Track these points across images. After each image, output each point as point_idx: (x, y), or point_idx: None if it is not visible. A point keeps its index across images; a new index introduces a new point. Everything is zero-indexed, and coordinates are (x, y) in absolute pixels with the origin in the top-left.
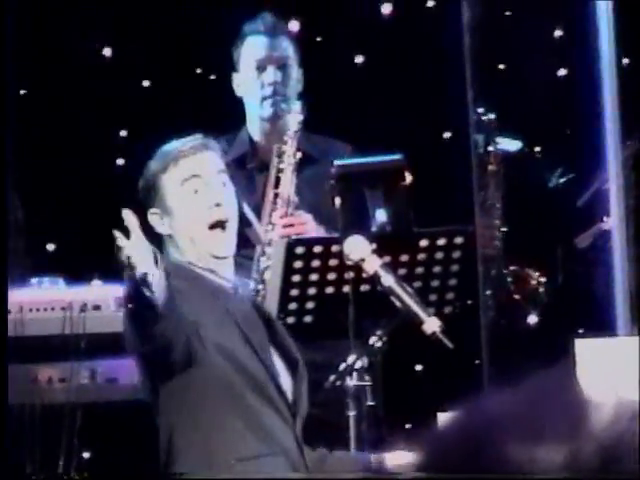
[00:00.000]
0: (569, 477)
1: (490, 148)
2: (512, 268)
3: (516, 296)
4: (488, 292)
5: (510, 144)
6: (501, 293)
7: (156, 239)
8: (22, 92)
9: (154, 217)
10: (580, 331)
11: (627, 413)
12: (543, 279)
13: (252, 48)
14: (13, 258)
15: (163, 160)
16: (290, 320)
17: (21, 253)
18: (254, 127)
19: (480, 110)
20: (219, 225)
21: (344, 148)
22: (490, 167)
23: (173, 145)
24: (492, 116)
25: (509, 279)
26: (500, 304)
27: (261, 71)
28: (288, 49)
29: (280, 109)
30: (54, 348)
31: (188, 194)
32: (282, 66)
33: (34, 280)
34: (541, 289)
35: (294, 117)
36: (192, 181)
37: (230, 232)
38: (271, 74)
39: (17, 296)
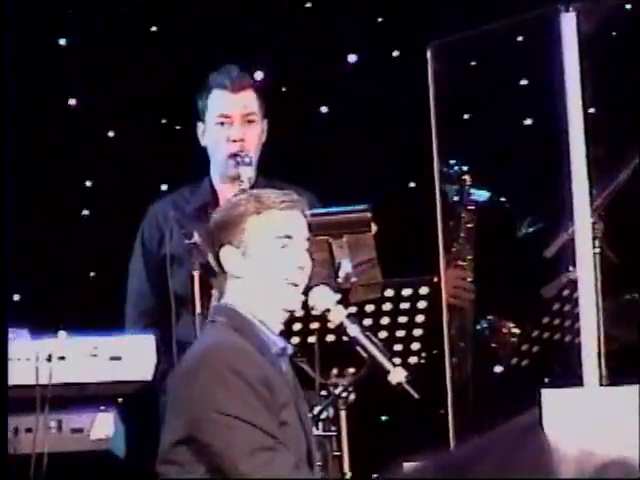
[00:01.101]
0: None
1: (461, 200)
2: (489, 318)
3: (493, 345)
4: (461, 343)
5: (478, 194)
6: (476, 342)
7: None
8: None
9: (229, 254)
10: (546, 381)
11: (592, 465)
12: (517, 330)
13: (217, 102)
14: None
15: (259, 204)
16: None
17: None
18: (217, 177)
19: (452, 162)
20: (295, 285)
21: (308, 197)
22: (464, 219)
23: (268, 194)
24: (464, 168)
25: (485, 327)
26: (476, 353)
27: (226, 127)
28: (253, 104)
29: (242, 170)
30: (20, 399)
31: (276, 246)
32: (247, 122)
33: None
34: (514, 339)
35: (245, 171)
36: (284, 239)
37: (300, 290)
38: (236, 130)
39: None
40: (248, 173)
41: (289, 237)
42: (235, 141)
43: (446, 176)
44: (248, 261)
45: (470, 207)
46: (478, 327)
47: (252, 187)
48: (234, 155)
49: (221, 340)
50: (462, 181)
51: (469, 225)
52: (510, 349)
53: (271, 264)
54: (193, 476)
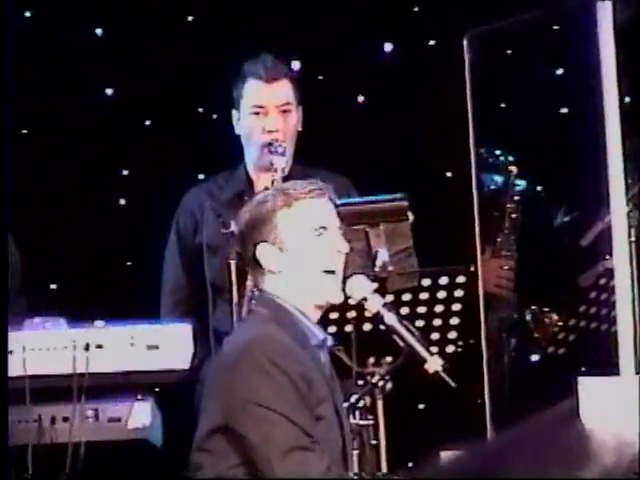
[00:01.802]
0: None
1: (506, 190)
2: (532, 308)
3: (536, 334)
4: (503, 333)
5: (517, 184)
6: (519, 332)
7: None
8: (23, 131)
9: (265, 251)
10: (583, 369)
11: (629, 452)
12: (559, 321)
13: (252, 92)
14: (15, 298)
15: (286, 197)
16: None
17: (23, 293)
18: (251, 165)
19: (497, 152)
20: (332, 272)
21: (342, 181)
22: (509, 209)
23: (293, 185)
24: (510, 158)
25: (528, 318)
26: (517, 342)
27: (261, 117)
28: (288, 94)
29: (276, 159)
30: (57, 387)
31: (312, 236)
32: (282, 112)
33: (37, 320)
34: (555, 329)
35: (278, 161)
36: (319, 229)
37: (340, 280)
38: (271, 121)
39: (20, 336)
40: (282, 163)
41: (324, 227)
42: (269, 132)
43: (491, 165)
44: (286, 256)
45: (515, 197)
46: (522, 317)
47: (288, 176)
48: (268, 145)
49: (263, 333)
50: (508, 171)
51: (513, 215)
52: (551, 339)
53: (310, 255)
54: (224, 466)
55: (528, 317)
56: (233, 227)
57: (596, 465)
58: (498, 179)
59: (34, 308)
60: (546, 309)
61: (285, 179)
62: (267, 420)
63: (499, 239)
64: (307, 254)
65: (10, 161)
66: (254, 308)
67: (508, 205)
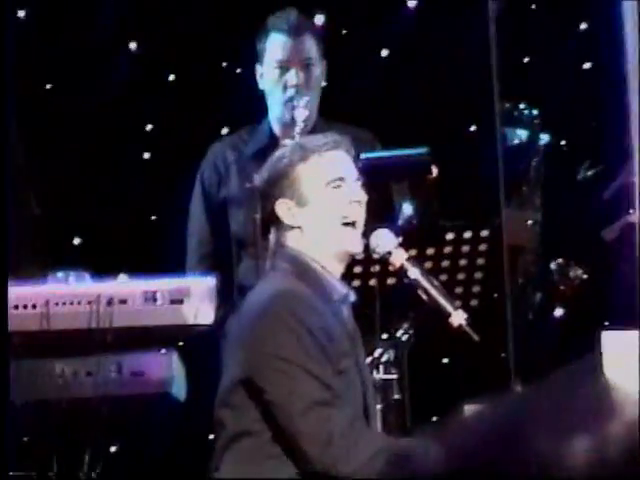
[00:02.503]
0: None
1: (532, 143)
2: (558, 261)
3: (561, 287)
4: (527, 285)
5: (541, 138)
6: (544, 285)
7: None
8: (48, 86)
9: (284, 207)
10: (606, 324)
11: None
12: (584, 275)
13: (275, 47)
14: (39, 254)
15: (303, 151)
16: None
17: (46, 247)
18: (275, 121)
19: (522, 106)
20: (352, 224)
21: (366, 136)
22: (533, 163)
23: (309, 139)
24: (535, 112)
25: (554, 271)
26: (542, 295)
27: (284, 71)
28: (311, 49)
29: (297, 114)
30: (80, 342)
31: (329, 188)
32: (305, 66)
33: (60, 274)
34: (579, 282)
35: (300, 113)
36: (336, 181)
37: (359, 231)
38: (293, 76)
39: (43, 290)
40: (303, 115)
41: (341, 179)
42: (292, 86)
43: (516, 120)
44: (305, 210)
45: (539, 151)
46: (547, 270)
47: (312, 130)
48: (290, 99)
49: (285, 287)
50: (532, 125)
51: (538, 169)
52: (575, 292)
53: (328, 207)
54: (246, 421)
55: (553, 270)
56: (257, 182)
57: (620, 419)
58: (522, 133)
59: (58, 263)
60: (571, 262)
61: (309, 134)
62: (288, 374)
63: (524, 193)
64: (325, 207)
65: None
66: (276, 263)
67: (532, 159)
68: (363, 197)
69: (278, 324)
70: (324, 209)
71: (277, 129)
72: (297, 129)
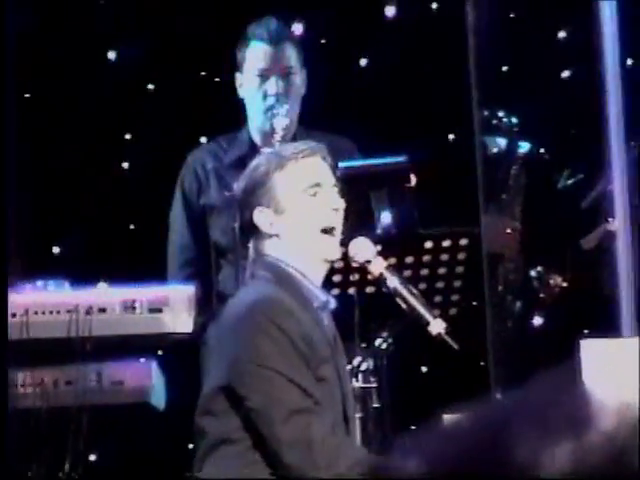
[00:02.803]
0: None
1: (511, 152)
2: (538, 269)
3: (541, 295)
4: (508, 295)
5: (520, 146)
6: (526, 294)
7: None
8: (26, 95)
9: (261, 215)
10: (585, 332)
11: (631, 415)
12: (564, 283)
13: (255, 56)
14: (17, 261)
15: (279, 159)
16: None
17: (25, 256)
18: (254, 129)
19: (500, 114)
20: (330, 231)
21: (346, 143)
22: (513, 171)
23: (286, 147)
24: (514, 120)
25: (534, 279)
26: (524, 305)
27: (264, 80)
28: (292, 57)
29: (278, 124)
30: (60, 351)
31: (306, 195)
32: (285, 75)
33: (39, 283)
34: (560, 291)
35: (279, 121)
36: (313, 187)
37: (337, 238)
38: (273, 84)
39: (23, 299)
40: (282, 123)
41: (318, 185)
42: (272, 95)
43: (495, 128)
44: (282, 217)
45: (518, 159)
46: (527, 278)
47: (293, 139)
48: (270, 108)
49: (265, 295)
50: (511, 134)
51: (517, 178)
52: (555, 300)
53: (305, 215)
54: (228, 428)
55: (533, 278)
56: (235, 190)
57: (598, 428)
58: (501, 142)
59: (37, 271)
60: (550, 270)
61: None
62: (269, 381)
63: (503, 201)
64: (303, 214)
65: (15, 120)
66: (256, 272)
67: (512, 167)
68: (341, 204)
69: (258, 331)
70: (301, 216)
71: (257, 137)
72: (277, 137)
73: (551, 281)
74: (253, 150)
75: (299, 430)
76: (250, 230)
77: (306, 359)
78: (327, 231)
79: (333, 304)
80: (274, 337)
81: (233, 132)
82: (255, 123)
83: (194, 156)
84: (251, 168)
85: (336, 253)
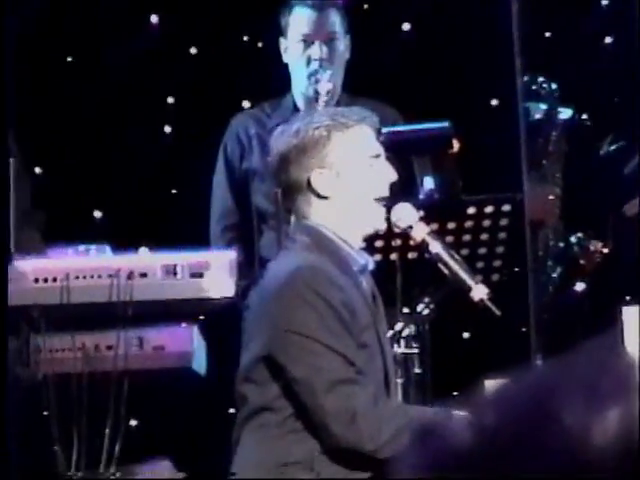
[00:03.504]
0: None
1: (550, 118)
2: (578, 235)
3: (581, 262)
4: (548, 261)
5: (562, 112)
6: (564, 259)
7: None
8: (69, 59)
9: (321, 176)
10: (627, 298)
11: None
12: (604, 249)
13: (299, 21)
14: (57, 225)
15: (343, 120)
16: None
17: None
18: (298, 95)
19: (540, 79)
20: (383, 200)
21: (390, 111)
22: (553, 137)
23: (343, 110)
24: (554, 86)
25: (574, 245)
26: (562, 270)
27: (307, 45)
28: (335, 23)
29: (321, 88)
30: (101, 316)
31: (367, 162)
32: (329, 41)
33: (81, 247)
34: (599, 257)
35: (323, 86)
36: (374, 157)
37: (384, 209)
38: (317, 50)
39: (64, 263)
40: (326, 88)
41: (378, 155)
42: (316, 60)
43: (535, 93)
44: (341, 181)
45: (559, 125)
46: (567, 244)
47: (336, 104)
48: (314, 74)
49: (305, 262)
50: (553, 99)
51: (559, 143)
52: (596, 267)
53: (366, 181)
54: (269, 396)
55: (574, 244)
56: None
57: None
58: (543, 107)
59: (79, 236)
60: (591, 236)
61: None
62: (311, 351)
63: (545, 167)
64: (363, 180)
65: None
66: (295, 236)
67: (553, 133)
68: (395, 176)
69: (299, 301)
70: (361, 182)
71: (300, 103)
72: (320, 102)
73: (591, 247)
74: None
75: (342, 400)
76: (298, 191)
77: (348, 327)
78: (380, 200)
79: (372, 265)
80: (316, 306)
81: (277, 97)
82: (299, 88)
83: (237, 121)
84: (308, 126)
85: (384, 222)
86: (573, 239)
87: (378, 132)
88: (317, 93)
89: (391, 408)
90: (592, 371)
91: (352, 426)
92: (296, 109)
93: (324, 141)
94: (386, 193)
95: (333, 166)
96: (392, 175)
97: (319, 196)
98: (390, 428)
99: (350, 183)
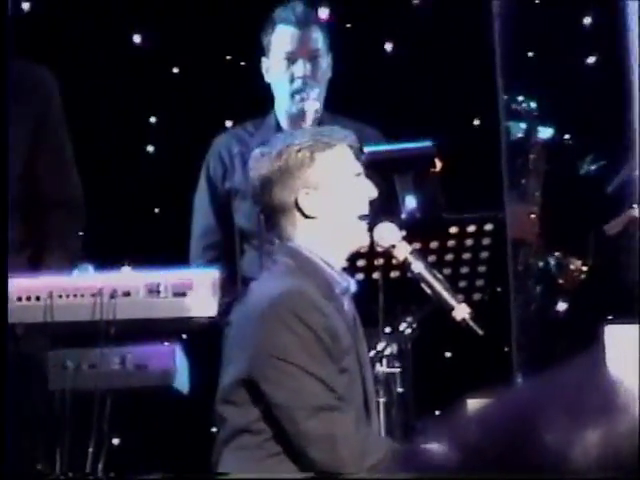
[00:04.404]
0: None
1: (529, 137)
2: (556, 254)
3: (560, 281)
4: (528, 280)
5: (542, 131)
6: (543, 279)
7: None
8: None
9: (307, 196)
10: (609, 318)
11: None
12: (584, 267)
13: (282, 39)
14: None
15: (327, 140)
16: None
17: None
18: (282, 113)
19: (520, 98)
20: (365, 217)
21: (372, 132)
22: (532, 156)
23: (327, 129)
24: (533, 105)
25: (552, 265)
26: (542, 289)
27: (291, 63)
28: (318, 40)
29: (307, 106)
30: (84, 334)
31: (352, 180)
32: (312, 58)
33: None
34: (580, 276)
35: (311, 105)
36: (357, 175)
37: (367, 226)
38: (301, 67)
39: (47, 282)
40: (313, 107)
41: (360, 173)
42: (300, 77)
43: (514, 112)
44: (327, 201)
45: (538, 144)
46: (546, 263)
47: (319, 123)
48: (298, 91)
49: (289, 287)
50: (531, 117)
51: (537, 161)
52: (576, 286)
53: (349, 200)
54: (248, 419)
55: (552, 263)
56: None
57: (627, 415)
58: (523, 126)
59: None
60: (570, 255)
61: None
62: (292, 377)
63: (522, 186)
64: (347, 198)
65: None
66: (278, 258)
67: (532, 152)
68: (376, 193)
69: (282, 326)
70: (345, 201)
71: (284, 122)
72: (308, 121)
73: (571, 266)
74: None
75: (323, 428)
76: (282, 212)
77: (330, 353)
78: (364, 217)
79: (354, 287)
80: (298, 332)
81: (260, 117)
82: (282, 107)
83: (220, 140)
84: (292, 147)
85: (367, 240)
86: (552, 260)
87: (359, 151)
88: (303, 111)
89: (374, 437)
90: (574, 390)
91: (333, 453)
92: (279, 128)
93: (308, 162)
94: (367, 210)
95: (318, 186)
96: (373, 192)
97: (305, 216)
98: (372, 456)
99: (335, 202)
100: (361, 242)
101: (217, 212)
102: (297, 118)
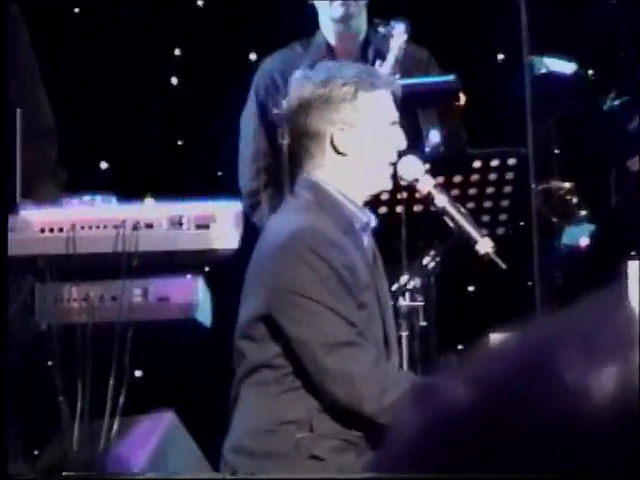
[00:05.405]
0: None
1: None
2: (542, 186)
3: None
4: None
5: (565, 66)
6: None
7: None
8: (76, 10)
9: (342, 133)
10: (632, 253)
11: None
12: (567, 184)
13: None
14: (54, 170)
15: (371, 80)
16: None
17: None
18: (328, 31)
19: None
20: (393, 165)
21: (423, 54)
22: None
23: (373, 70)
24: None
25: (575, 201)
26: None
27: None
28: None
29: (350, 9)
30: (106, 266)
31: (388, 125)
32: None
33: (87, 198)
34: (574, 199)
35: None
36: (396, 122)
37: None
38: None
39: (69, 214)
40: (356, 7)
41: (396, 121)
42: None
43: (537, 48)
44: (361, 141)
45: (561, 79)
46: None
47: (366, 42)
48: (344, 10)
49: (307, 223)
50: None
51: (559, 96)
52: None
53: (384, 144)
54: (267, 354)
55: (575, 200)
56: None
57: None
58: (549, 62)
59: (84, 186)
60: (593, 192)
61: (362, 45)
62: (312, 312)
63: (548, 122)
64: (381, 143)
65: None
66: (298, 191)
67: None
68: (405, 145)
69: (300, 262)
70: (381, 145)
71: (333, 41)
72: (354, 26)
73: (553, 188)
74: (330, 52)
75: (342, 363)
76: (314, 141)
77: (349, 289)
78: (391, 164)
79: (374, 223)
80: (316, 267)
81: (303, 39)
82: (327, 17)
83: (269, 62)
84: (329, 79)
85: (390, 186)
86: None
87: (399, 100)
88: (348, 16)
89: (395, 373)
90: (592, 325)
91: (352, 389)
92: (329, 46)
93: (350, 97)
94: (395, 159)
95: (355, 124)
96: (403, 143)
97: (336, 151)
98: (393, 393)
99: (369, 144)
100: (384, 187)
101: (269, 132)
102: (344, 35)
